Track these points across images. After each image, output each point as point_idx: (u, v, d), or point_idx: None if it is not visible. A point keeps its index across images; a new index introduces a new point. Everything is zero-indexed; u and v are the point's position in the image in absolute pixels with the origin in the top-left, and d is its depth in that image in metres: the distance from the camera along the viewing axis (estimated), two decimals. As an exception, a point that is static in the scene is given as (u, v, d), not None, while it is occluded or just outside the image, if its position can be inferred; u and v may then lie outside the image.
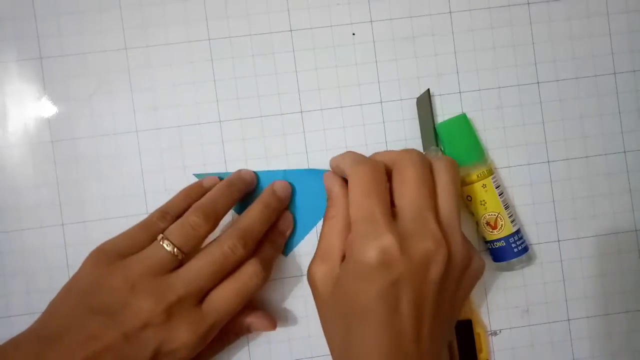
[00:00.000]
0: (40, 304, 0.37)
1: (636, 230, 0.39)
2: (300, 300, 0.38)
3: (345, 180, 0.34)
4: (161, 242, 0.32)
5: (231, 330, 0.35)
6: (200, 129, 0.37)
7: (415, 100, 0.38)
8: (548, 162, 0.38)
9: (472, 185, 0.36)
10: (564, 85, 0.38)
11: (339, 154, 0.35)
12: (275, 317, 0.36)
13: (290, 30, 0.38)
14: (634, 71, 0.38)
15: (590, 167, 0.38)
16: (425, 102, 0.37)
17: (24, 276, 0.37)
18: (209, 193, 0.34)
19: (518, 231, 0.37)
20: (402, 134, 0.38)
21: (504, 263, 0.37)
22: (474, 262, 0.33)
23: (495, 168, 0.38)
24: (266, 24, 0.38)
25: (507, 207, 0.36)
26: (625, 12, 0.38)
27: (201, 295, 0.32)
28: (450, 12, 0.38)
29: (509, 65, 0.38)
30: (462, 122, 0.37)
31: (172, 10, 0.37)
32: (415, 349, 0.30)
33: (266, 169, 0.37)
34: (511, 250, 0.36)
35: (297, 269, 0.38)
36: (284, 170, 0.37)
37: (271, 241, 0.36)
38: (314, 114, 0.38)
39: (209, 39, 0.37)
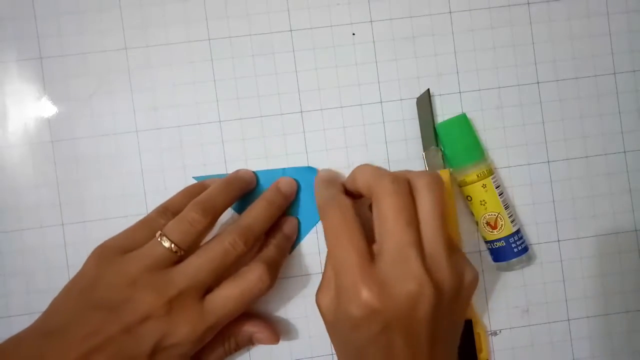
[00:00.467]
0: (40, 304, 0.37)
1: (636, 230, 0.39)
2: (300, 301, 0.38)
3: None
4: (159, 239, 0.32)
5: (233, 335, 0.35)
6: (200, 129, 0.37)
7: (415, 100, 0.38)
8: (548, 162, 0.38)
9: (472, 185, 0.36)
10: (564, 85, 0.38)
11: (320, 177, 0.35)
12: (279, 331, 0.36)
13: (290, 30, 0.38)
14: (634, 71, 0.38)
15: (590, 167, 0.38)
16: (425, 102, 0.37)
17: (24, 276, 0.37)
18: (207, 190, 0.34)
19: (518, 231, 0.37)
20: (402, 134, 0.38)
21: (504, 263, 0.37)
22: (466, 277, 0.31)
23: (495, 168, 0.38)
24: (266, 24, 0.38)
25: (507, 207, 0.36)
26: (625, 12, 0.38)
27: (202, 291, 0.32)
28: (450, 12, 0.38)
29: (509, 65, 0.38)
30: (462, 122, 0.37)
31: (172, 10, 0.37)
32: None
33: (266, 169, 0.37)
34: (511, 250, 0.36)
35: (298, 269, 0.38)
36: (283, 169, 0.37)
37: (277, 246, 0.36)
38: (314, 114, 0.38)
39: (209, 39, 0.37)
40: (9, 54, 0.37)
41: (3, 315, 0.37)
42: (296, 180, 0.37)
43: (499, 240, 0.36)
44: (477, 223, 0.37)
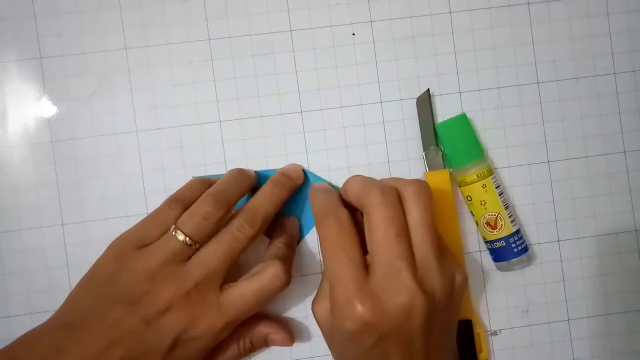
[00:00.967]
0: (40, 304, 0.37)
1: (636, 230, 0.39)
2: (300, 301, 0.38)
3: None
4: (174, 233, 0.32)
5: (248, 335, 0.35)
6: (200, 129, 0.37)
7: (415, 100, 0.38)
8: (548, 162, 0.38)
9: (472, 185, 0.36)
10: (564, 85, 0.38)
11: (316, 185, 0.35)
12: (293, 332, 0.36)
13: (290, 30, 0.38)
14: (634, 71, 0.38)
15: (590, 167, 0.38)
16: (425, 102, 0.37)
17: (24, 276, 0.37)
18: (219, 181, 0.34)
19: (518, 231, 0.37)
20: (402, 134, 0.38)
21: (504, 263, 0.37)
22: (457, 280, 0.32)
23: (495, 168, 0.38)
24: (266, 24, 0.38)
25: (507, 207, 0.36)
26: (625, 12, 0.38)
27: (218, 282, 0.32)
28: (450, 12, 0.38)
29: (509, 65, 0.38)
30: (462, 122, 0.37)
31: (172, 10, 0.37)
32: None
33: (266, 169, 0.37)
34: (511, 250, 0.36)
35: (298, 269, 0.38)
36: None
37: (285, 244, 0.36)
38: (314, 114, 0.38)
39: (209, 39, 0.37)
40: (9, 54, 0.37)
41: (3, 315, 0.37)
42: (303, 168, 0.37)
43: (499, 240, 0.36)
44: (477, 223, 0.37)
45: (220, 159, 0.37)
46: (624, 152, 0.38)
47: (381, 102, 0.38)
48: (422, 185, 0.32)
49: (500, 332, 0.38)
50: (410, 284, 0.29)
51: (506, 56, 0.38)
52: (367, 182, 0.32)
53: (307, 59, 0.38)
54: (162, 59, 0.37)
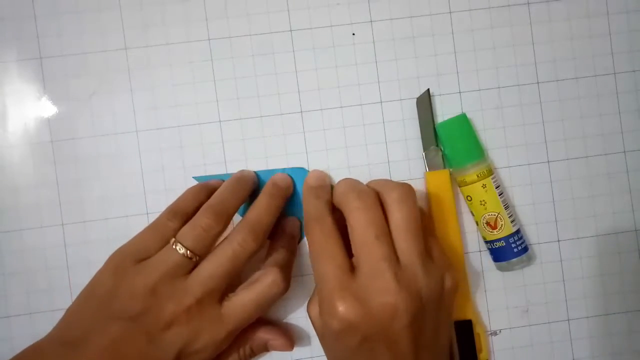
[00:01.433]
0: (40, 304, 0.37)
1: (636, 230, 0.39)
2: (299, 301, 0.38)
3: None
4: (174, 246, 0.32)
5: (249, 342, 0.35)
6: (200, 129, 0.37)
7: (415, 100, 0.38)
8: (548, 162, 0.38)
9: (472, 185, 0.36)
10: (564, 85, 0.38)
11: (308, 186, 0.35)
12: (294, 336, 0.37)
13: (290, 30, 0.38)
14: (634, 71, 0.38)
15: (590, 167, 0.38)
16: (425, 102, 0.37)
17: (23, 276, 0.37)
18: (217, 192, 0.34)
19: (518, 231, 0.37)
20: (402, 134, 0.38)
21: (504, 263, 0.37)
22: (446, 284, 0.32)
23: (495, 168, 0.38)
24: (266, 24, 0.38)
25: (507, 207, 0.36)
26: (625, 12, 0.38)
27: (218, 295, 0.32)
28: (450, 12, 0.38)
29: (509, 65, 0.38)
30: (462, 122, 0.37)
31: (172, 10, 0.37)
32: None
33: (266, 169, 0.37)
34: (511, 250, 0.36)
35: (297, 269, 0.38)
36: (283, 169, 0.37)
37: (285, 247, 0.36)
38: (314, 114, 0.38)
39: (209, 39, 0.37)
40: (9, 54, 0.37)
41: (3, 315, 0.37)
42: (290, 177, 0.37)
43: (499, 240, 0.36)
44: (477, 223, 0.37)
45: (220, 159, 0.37)
46: (624, 152, 0.38)
47: (381, 102, 0.38)
48: (406, 190, 0.32)
49: (500, 332, 0.38)
50: (393, 285, 0.30)
51: (506, 56, 0.38)
52: (348, 186, 0.33)
53: (307, 59, 0.38)
54: (162, 59, 0.37)
